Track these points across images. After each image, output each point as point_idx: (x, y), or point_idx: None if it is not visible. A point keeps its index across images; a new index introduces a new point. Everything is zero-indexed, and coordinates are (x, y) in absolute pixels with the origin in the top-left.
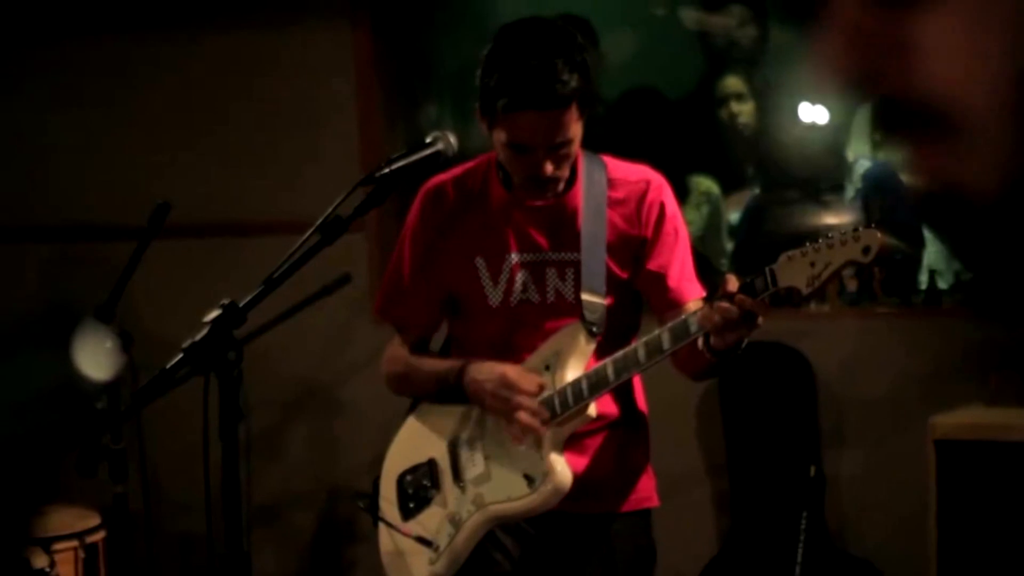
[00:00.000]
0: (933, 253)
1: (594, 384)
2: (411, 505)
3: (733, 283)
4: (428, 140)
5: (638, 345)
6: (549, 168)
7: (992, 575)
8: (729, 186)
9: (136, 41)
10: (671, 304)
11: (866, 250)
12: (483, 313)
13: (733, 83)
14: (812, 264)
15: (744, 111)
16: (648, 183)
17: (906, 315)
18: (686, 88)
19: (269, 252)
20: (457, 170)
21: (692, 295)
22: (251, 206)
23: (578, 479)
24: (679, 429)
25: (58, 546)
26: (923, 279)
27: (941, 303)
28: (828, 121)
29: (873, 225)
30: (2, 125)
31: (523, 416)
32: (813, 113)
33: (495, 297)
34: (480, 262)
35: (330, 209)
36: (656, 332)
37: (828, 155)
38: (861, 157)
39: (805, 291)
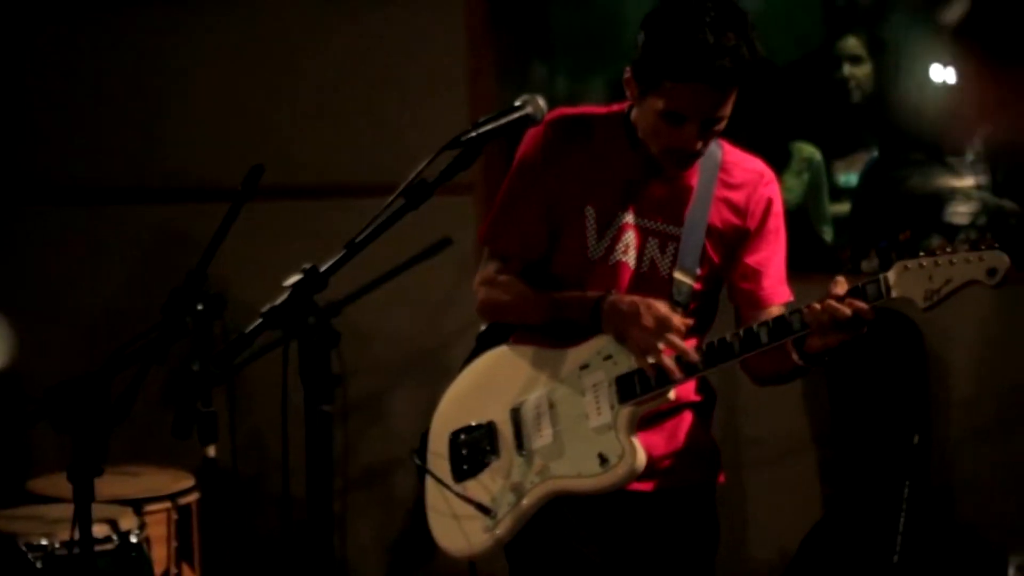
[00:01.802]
0: None
1: (715, 356)
2: (465, 467)
3: (842, 286)
4: (517, 104)
5: (732, 337)
6: (700, 143)
7: None
8: (839, 150)
9: (245, 3)
10: (759, 303)
11: (991, 272)
12: (578, 262)
13: (852, 45)
14: (930, 278)
15: (858, 74)
16: (762, 175)
17: (1017, 280)
18: (807, 49)
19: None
20: (585, 109)
21: (781, 299)
22: (359, 168)
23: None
24: (784, 397)
25: (150, 507)
26: None
27: None
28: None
29: (997, 246)
30: (104, 90)
31: (666, 358)
32: (943, 74)
33: (596, 250)
34: (590, 212)
35: (414, 173)
36: (751, 326)
37: (953, 117)
38: None
39: (923, 305)
